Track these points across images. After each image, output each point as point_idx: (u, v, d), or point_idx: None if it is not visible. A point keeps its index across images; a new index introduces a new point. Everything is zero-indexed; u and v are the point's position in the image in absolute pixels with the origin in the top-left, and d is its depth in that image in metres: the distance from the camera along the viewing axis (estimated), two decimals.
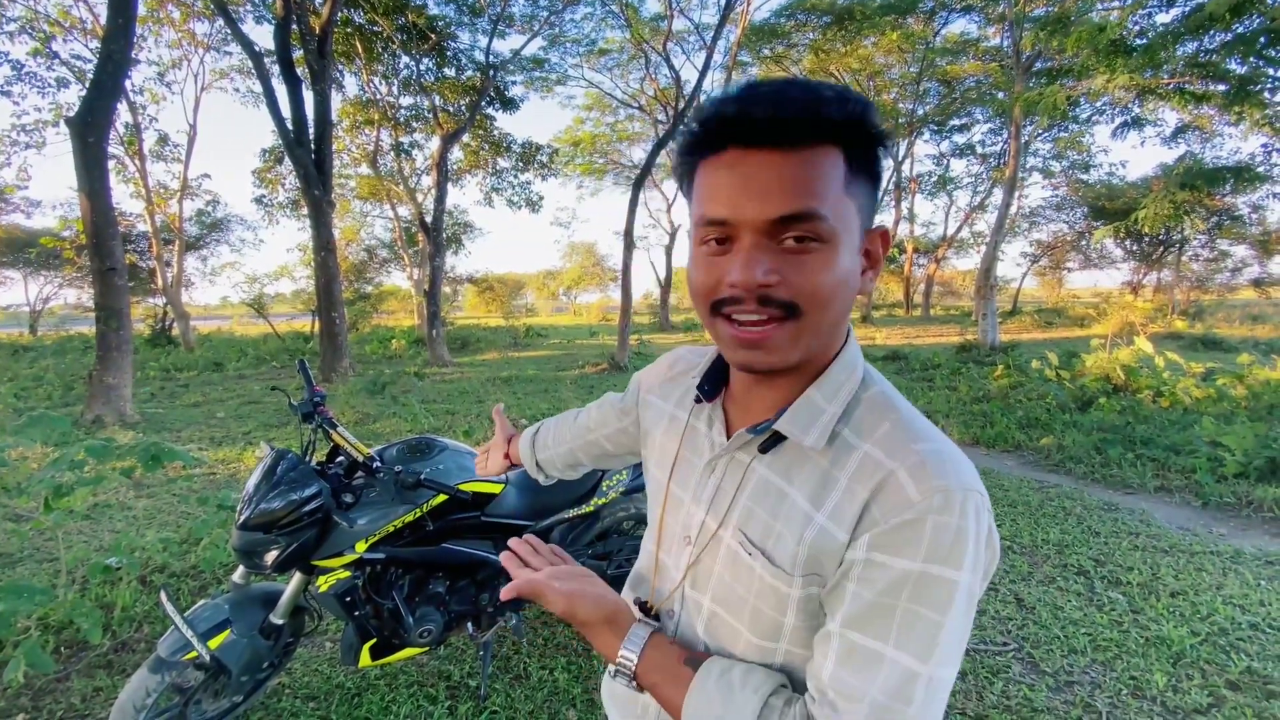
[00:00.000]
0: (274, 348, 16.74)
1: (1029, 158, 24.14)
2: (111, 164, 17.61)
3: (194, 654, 1.81)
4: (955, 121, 24.52)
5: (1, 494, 2.72)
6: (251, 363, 13.97)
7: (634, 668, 0.66)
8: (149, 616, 2.76)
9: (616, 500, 2.55)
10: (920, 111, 23.91)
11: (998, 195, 22.26)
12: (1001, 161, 23.07)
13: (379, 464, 2.01)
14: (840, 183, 0.55)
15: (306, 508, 1.83)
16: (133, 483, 4.52)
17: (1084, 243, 26.28)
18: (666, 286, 29.69)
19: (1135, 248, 23.49)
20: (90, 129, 7.05)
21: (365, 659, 2.04)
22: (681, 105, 14.42)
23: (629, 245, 12.32)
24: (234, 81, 18.86)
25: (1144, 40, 9.11)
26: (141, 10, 15.88)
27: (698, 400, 0.73)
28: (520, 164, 18.85)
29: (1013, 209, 18.36)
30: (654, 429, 0.84)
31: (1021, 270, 31.28)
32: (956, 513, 0.53)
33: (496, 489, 2.20)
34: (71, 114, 7.26)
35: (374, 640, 2.04)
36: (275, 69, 10.45)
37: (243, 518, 1.82)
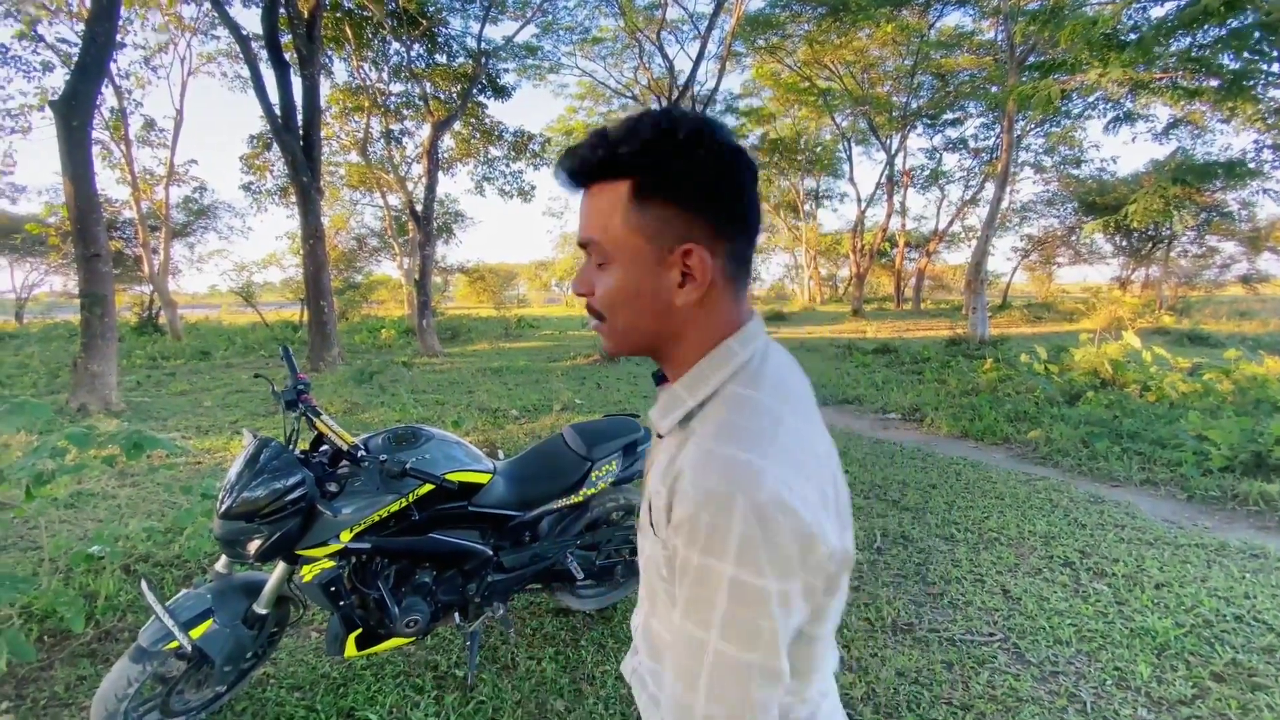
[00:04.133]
0: (262, 336, 16.59)
1: (1021, 152, 24.19)
2: (97, 149, 17.33)
3: (176, 644, 1.80)
4: (949, 115, 24.52)
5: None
6: (239, 351, 13.84)
7: None
8: (132, 605, 2.73)
9: (605, 491, 2.54)
10: (914, 105, 23.89)
11: (989, 189, 22.31)
12: (994, 156, 23.15)
13: (364, 453, 1.99)
14: (622, 212, 0.63)
15: (289, 496, 1.81)
16: (116, 471, 4.46)
17: (1074, 238, 26.43)
18: None
19: (1125, 243, 23.65)
20: (74, 112, 6.92)
21: (351, 649, 2.03)
22: (675, 95, 14.32)
23: None
24: (221, 66, 18.57)
25: (1137, 34, 9.12)
26: None
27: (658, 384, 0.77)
28: (512, 153, 18.70)
29: (1004, 203, 18.43)
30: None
31: (1012, 265, 31.47)
32: (723, 513, 0.56)
33: (484, 479, 2.18)
34: (56, 98, 7.11)
35: (359, 630, 2.03)
36: (263, 53, 10.28)
37: (224, 506, 1.80)
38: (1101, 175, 23.44)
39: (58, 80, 13.47)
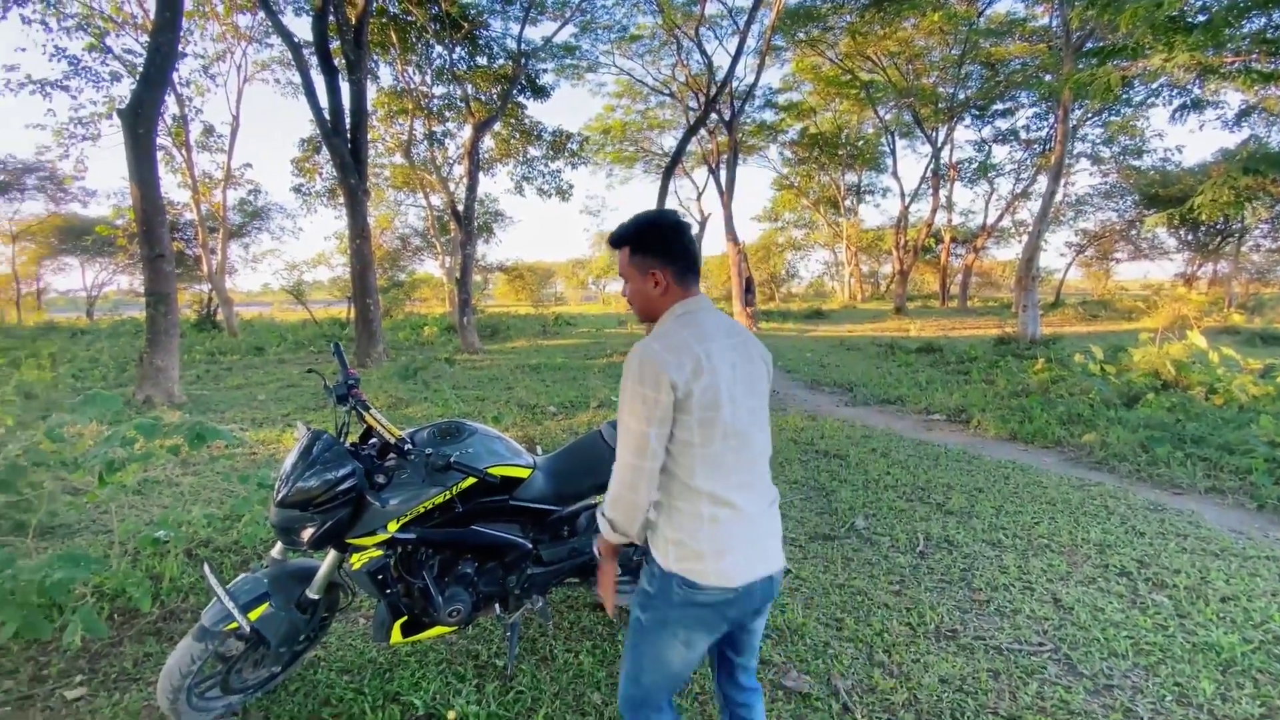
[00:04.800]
0: (312, 333, 17.20)
1: (1077, 143, 23.20)
2: (160, 155, 18.23)
3: (235, 625, 1.89)
4: (998, 106, 23.67)
5: (59, 468, 2.85)
6: (291, 347, 14.37)
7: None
8: (194, 587, 2.87)
9: None
10: (961, 96, 23.14)
11: (1042, 182, 21.47)
12: (1047, 147, 22.22)
13: (410, 446, 2.05)
14: (627, 258, 1.47)
15: (340, 487, 1.88)
16: (179, 460, 4.70)
17: (1134, 232, 25.21)
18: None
19: (1190, 237, 22.43)
20: (140, 120, 7.29)
21: (396, 635, 2.10)
22: (713, 91, 14.22)
23: None
24: (274, 73, 19.30)
25: (1206, 16, 8.62)
26: (189, 4, 16.36)
27: None
28: (550, 152, 18.89)
29: (1058, 197, 17.70)
30: None
31: (1066, 261, 30.20)
32: (631, 359, 1.33)
33: (524, 473, 2.22)
34: (123, 106, 7.51)
35: (405, 618, 2.09)
36: (313, 60, 10.64)
37: (280, 495, 1.89)
38: (1165, 166, 22.29)
39: (124, 90, 14.24)
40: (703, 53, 18.30)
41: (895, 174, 27.73)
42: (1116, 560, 3.24)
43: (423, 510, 2.00)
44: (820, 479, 4.56)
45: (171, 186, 19.73)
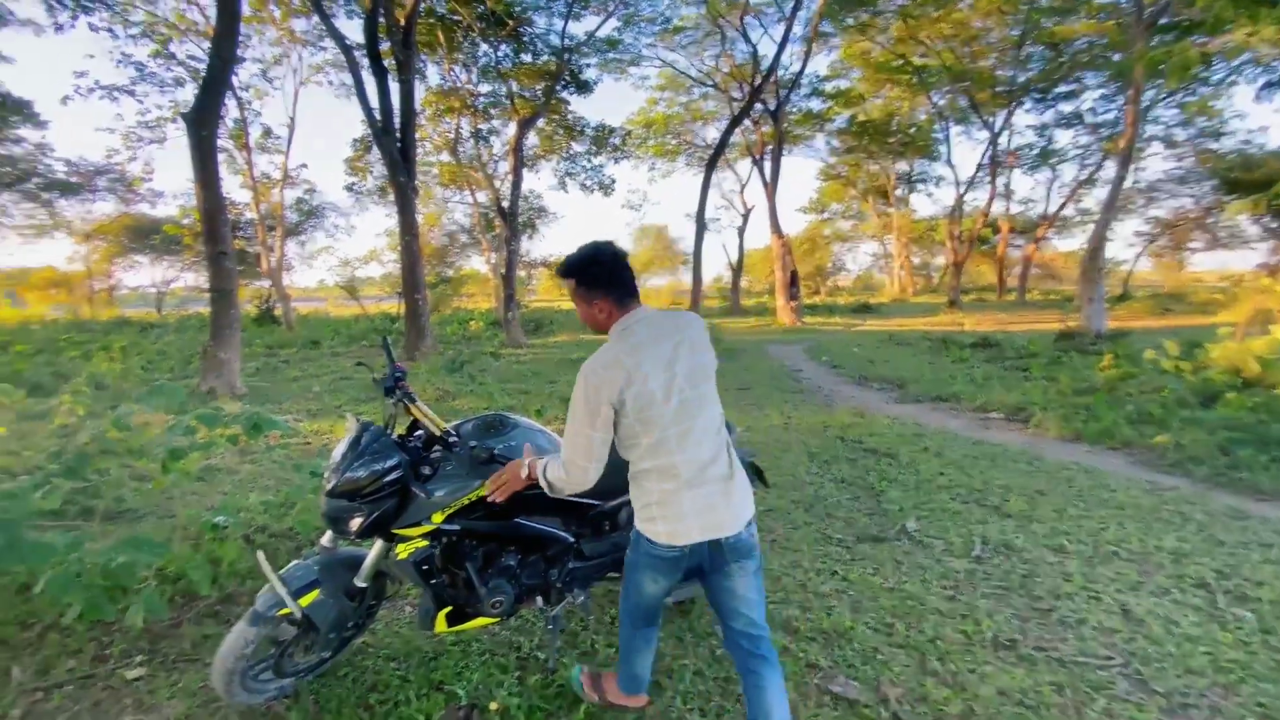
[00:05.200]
0: (364, 328, 17.77)
1: (1148, 126, 21.84)
2: (222, 156, 19.08)
3: (287, 610, 1.94)
4: (1062, 88, 22.50)
5: (127, 456, 3.00)
6: (344, 341, 14.88)
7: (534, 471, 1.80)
8: (251, 572, 2.98)
9: None
10: (1021, 79, 22.10)
11: (1110, 168, 20.33)
12: (1115, 131, 21.00)
13: (455, 439, 2.07)
14: (574, 288, 1.72)
15: (387, 478, 1.91)
16: (239, 449, 4.90)
17: (1212, 220, 23.60)
18: (738, 269, 29.18)
19: (1277, 225, 20.85)
20: (203, 123, 7.63)
21: (441, 625, 2.12)
22: (758, 80, 13.96)
23: (700, 229, 12.14)
24: (328, 75, 19.92)
25: None
26: (246, 10, 17.05)
27: None
28: (593, 147, 18.94)
29: (1127, 183, 16.69)
30: None
31: (1135, 251, 28.57)
32: (580, 377, 1.62)
33: None
34: (187, 111, 7.87)
35: (449, 608, 2.11)
36: (365, 61, 10.93)
37: (330, 485, 1.93)
38: (1247, 149, 20.75)
39: (188, 94, 14.96)
40: (747, 41, 18.01)
41: (949, 162, 26.87)
42: (1193, 570, 3.02)
43: (467, 502, 2.02)
44: (869, 478, 4.42)
45: (233, 187, 20.62)
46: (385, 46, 11.32)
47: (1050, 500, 3.97)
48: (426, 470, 2.04)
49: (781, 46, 13.00)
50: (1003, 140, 25.73)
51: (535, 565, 2.25)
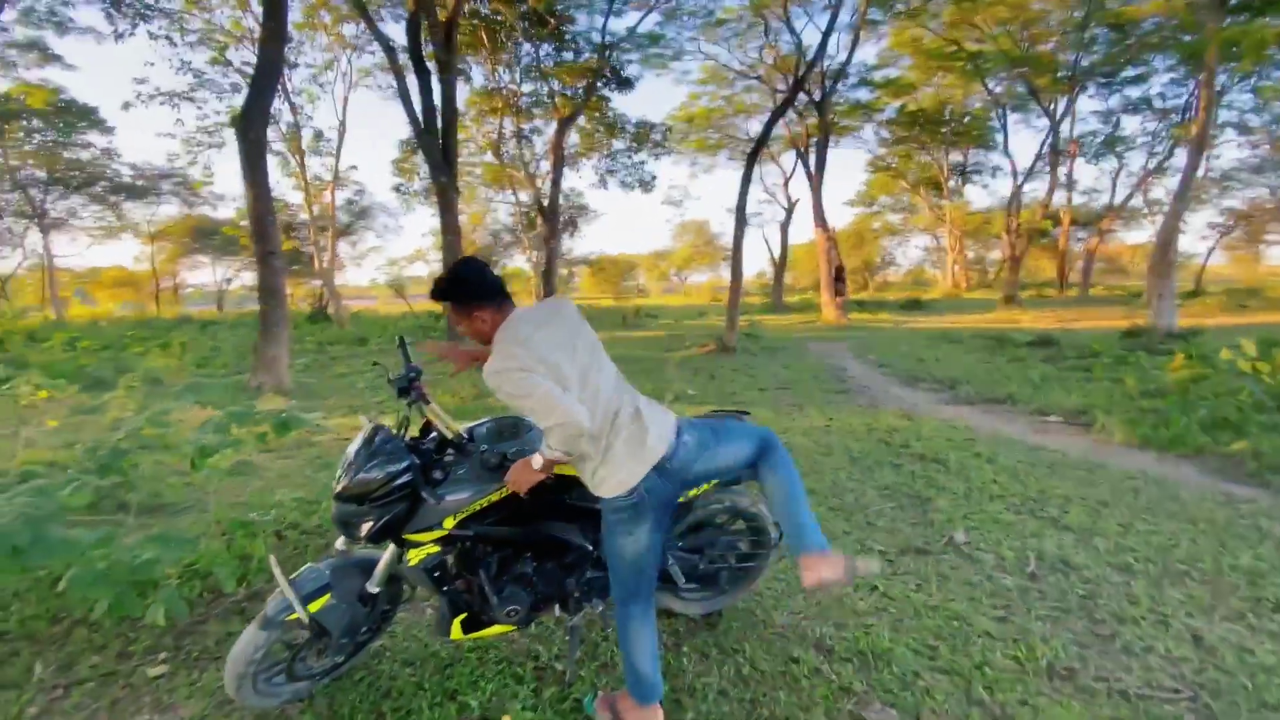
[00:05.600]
0: (410, 325, 18.16)
1: (1222, 111, 20.33)
2: (278, 160, 19.81)
3: (296, 615, 1.90)
4: (1128, 72, 21.19)
5: (162, 451, 3.05)
6: (390, 338, 15.23)
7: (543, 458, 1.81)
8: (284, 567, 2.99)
9: (710, 494, 2.40)
10: (1084, 63, 20.89)
11: (1180, 157, 19.03)
12: (1186, 117, 19.66)
13: (468, 442, 2.00)
14: (453, 309, 1.84)
15: (396, 482, 1.86)
16: (276, 446, 4.99)
17: None
18: (781, 265, 28.64)
19: None
20: (251, 126, 7.86)
21: (456, 632, 2.07)
22: (802, 71, 13.59)
23: (740, 222, 11.88)
24: (376, 79, 20.46)
25: None
26: (299, 17, 17.63)
27: None
28: (634, 144, 18.85)
29: (1199, 172, 15.56)
30: None
31: (1208, 244, 26.71)
32: (493, 380, 1.70)
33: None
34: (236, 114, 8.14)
35: (465, 614, 2.05)
36: (408, 63, 11.11)
37: (338, 488, 1.89)
38: None
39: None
40: (792, 32, 17.58)
41: (1006, 151, 25.61)
42: (1271, 593, 2.72)
43: (479, 508, 1.95)
44: (915, 485, 4.18)
45: (287, 189, 21.43)
46: (430, 51, 11.50)
47: (1114, 512, 3.66)
48: (438, 474, 1.97)
49: (827, 35, 12.60)
50: (1064, 128, 24.44)
51: (552, 573, 2.17)
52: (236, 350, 11.50)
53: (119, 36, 11.66)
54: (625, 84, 17.39)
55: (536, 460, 1.80)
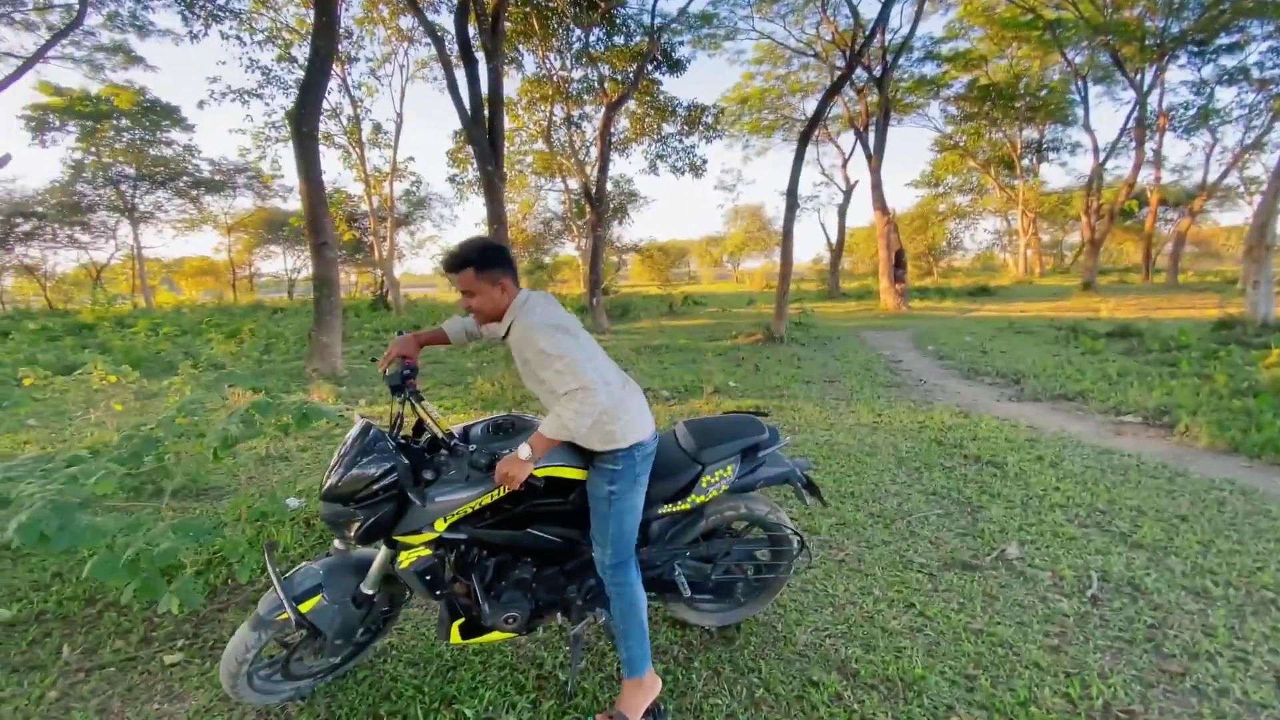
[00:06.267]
0: (463, 311, 18.52)
1: None
2: (339, 153, 20.45)
3: (286, 614, 1.86)
4: (1223, 39, 19.19)
5: (199, 440, 3.13)
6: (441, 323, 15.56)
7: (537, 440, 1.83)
8: (306, 556, 3.03)
9: (723, 500, 2.27)
10: (1175, 29, 19.06)
11: None
12: None
13: (457, 442, 1.92)
14: (473, 276, 1.86)
15: (380, 483, 1.80)
16: (312, 434, 5.12)
17: None
18: (838, 250, 27.64)
19: None
20: (304, 119, 8.07)
21: (455, 636, 2.01)
22: (860, 45, 12.93)
23: (792, 205, 11.45)
24: (432, 70, 20.79)
25: None
26: (359, 12, 18.07)
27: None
28: (685, 128, 18.49)
29: None
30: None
31: None
32: (544, 331, 1.81)
33: (578, 475, 2.01)
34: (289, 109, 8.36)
35: (463, 619, 2.00)
36: (455, 51, 11.17)
37: (325, 487, 1.83)
38: None
39: None
40: (850, 5, 16.75)
41: (1087, 126, 23.56)
42: None
43: (470, 510, 1.88)
44: (966, 491, 3.86)
45: (349, 181, 22.23)
46: (479, 42, 11.51)
47: (1193, 528, 3.27)
48: (429, 475, 1.89)
49: (887, 6, 11.90)
50: (1152, 100, 22.45)
51: (553, 580, 2.09)
52: (298, 337, 11.99)
53: (194, 37, 12.23)
54: (676, 66, 17.01)
55: (524, 450, 1.79)
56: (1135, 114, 21.55)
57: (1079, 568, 2.90)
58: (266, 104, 15.92)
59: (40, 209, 25.17)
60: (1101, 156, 23.28)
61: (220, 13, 12.46)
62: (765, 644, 2.39)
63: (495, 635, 2.05)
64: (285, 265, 34.94)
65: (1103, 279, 24.04)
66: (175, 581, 2.41)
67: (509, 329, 1.89)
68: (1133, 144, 22.27)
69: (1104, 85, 24.30)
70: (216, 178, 27.11)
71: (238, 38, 13.26)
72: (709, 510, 2.26)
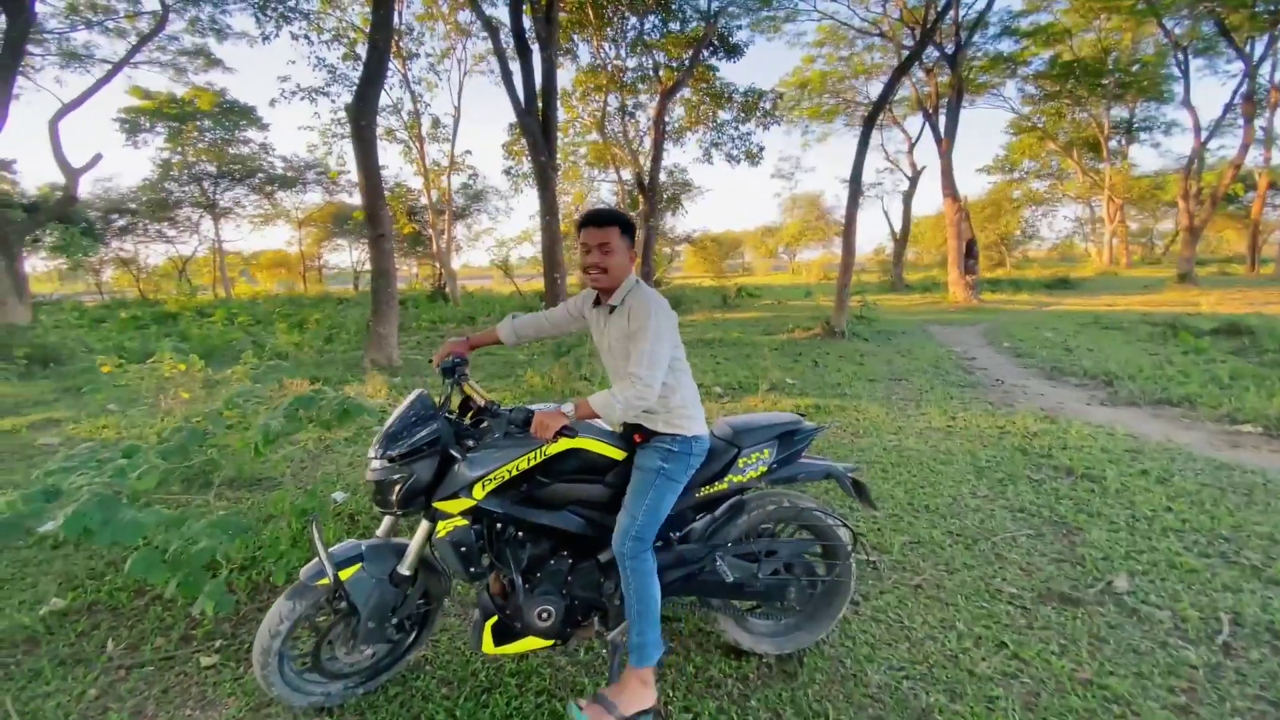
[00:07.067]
0: (516, 304, 18.71)
1: None
2: (400, 147, 20.95)
3: (326, 580, 1.86)
4: None
5: (242, 432, 3.11)
6: (497, 317, 15.73)
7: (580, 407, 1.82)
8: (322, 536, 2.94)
9: (764, 497, 2.21)
10: None
11: None
12: None
13: (498, 407, 1.94)
14: (618, 236, 1.96)
15: (423, 439, 1.86)
16: (363, 425, 5.11)
17: None
18: (903, 239, 26.43)
19: None
20: (362, 113, 8.16)
21: (488, 642, 1.96)
22: (931, 21, 12.14)
23: (855, 192, 10.87)
24: (489, 64, 20.97)
25: None
26: (420, 9, 18.39)
27: (596, 303, 2.10)
28: (742, 114, 17.99)
29: None
30: (592, 321, 2.14)
31: None
32: (656, 304, 1.90)
33: (618, 455, 2.04)
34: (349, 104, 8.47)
35: (495, 618, 1.97)
36: (509, 43, 11.13)
37: (374, 448, 1.90)
38: None
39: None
40: None
41: (1187, 102, 21.48)
42: None
43: (508, 475, 1.89)
44: (1059, 508, 3.44)
45: (409, 175, 22.82)
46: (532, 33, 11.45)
47: None
48: (470, 443, 1.94)
49: None
50: (1263, 73, 20.30)
51: (588, 575, 2.05)
52: (358, 327, 12.30)
53: (266, 39, 12.74)
54: (733, 51, 16.56)
55: (567, 406, 1.81)
56: (1243, 88, 19.56)
57: (1204, 607, 2.48)
58: (333, 101, 16.44)
59: (133, 205, 26.99)
60: (1203, 136, 21.27)
61: (291, 14, 12.90)
62: (832, 682, 2.12)
63: (530, 643, 1.98)
64: (351, 258, 36.35)
65: (1201, 270, 22.02)
66: (216, 577, 2.35)
67: (622, 300, 1.96)
68: (1240, 121, 20.23)
69: (1206, 58, 22.09)
70: (288, 174, 28.36)
71: (306, 38, 13.68)
72: (750, 505, 2.18)
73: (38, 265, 26.26)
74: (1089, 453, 4.31)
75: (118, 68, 14.33)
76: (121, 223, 27.19)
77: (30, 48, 13.77)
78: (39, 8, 12.26)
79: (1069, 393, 6.36)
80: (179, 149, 25.82)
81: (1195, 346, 8.07)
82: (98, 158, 13.42)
